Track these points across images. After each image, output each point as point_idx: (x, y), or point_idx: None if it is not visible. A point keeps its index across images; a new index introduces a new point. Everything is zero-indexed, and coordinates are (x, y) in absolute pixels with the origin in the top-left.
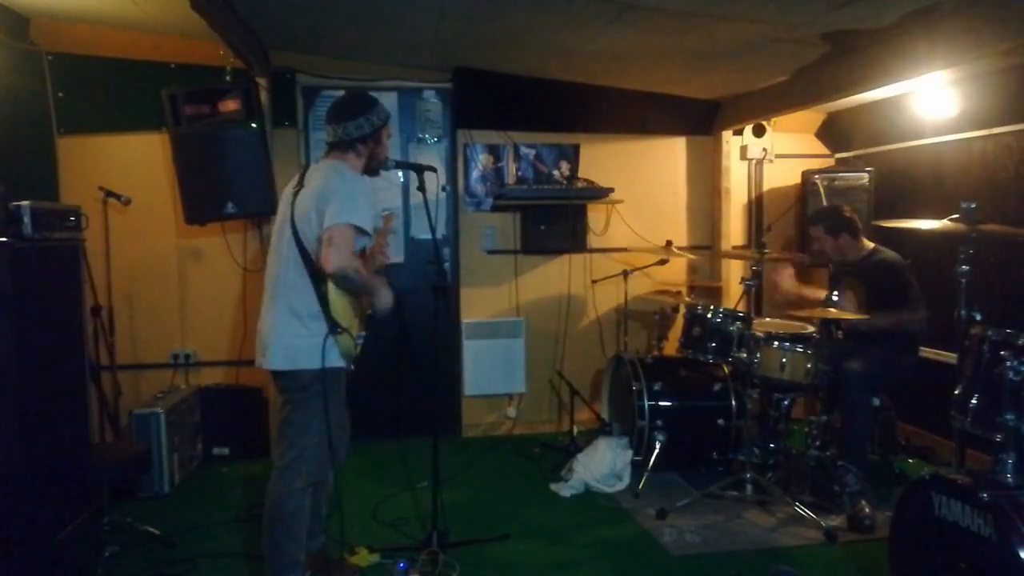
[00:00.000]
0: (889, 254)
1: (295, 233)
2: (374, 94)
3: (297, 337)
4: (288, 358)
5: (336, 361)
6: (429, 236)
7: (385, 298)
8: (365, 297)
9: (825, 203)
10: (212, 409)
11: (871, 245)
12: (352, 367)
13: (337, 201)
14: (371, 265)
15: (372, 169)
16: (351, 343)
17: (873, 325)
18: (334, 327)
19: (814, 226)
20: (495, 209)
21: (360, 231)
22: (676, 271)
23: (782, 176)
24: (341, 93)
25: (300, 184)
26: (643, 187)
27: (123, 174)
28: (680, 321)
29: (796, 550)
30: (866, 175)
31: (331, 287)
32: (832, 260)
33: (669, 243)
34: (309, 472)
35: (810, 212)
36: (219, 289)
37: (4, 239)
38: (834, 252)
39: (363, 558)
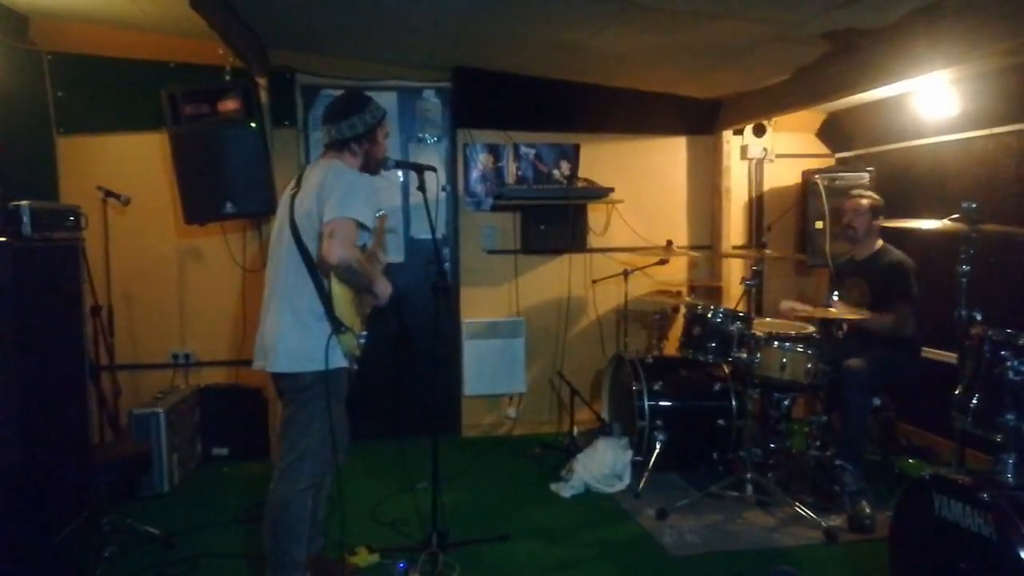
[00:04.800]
0: (899, 254)
1: (295, 234)
2: (374, 94)
3: (300, 339)
4: (292, 360)
5: (339, 361)
6: (429, 236)
7: (384, 289)
8: (366, 292)
9: (826, 203)
10: (212, 409)
11: (880, 243)
12: (355, 367)
13: (336, 195)
14: (372, 265)
15: (371, 168)
16: (354, 342)
17: (866, 325)
18: (338, 326)
19: (862, 198)
20: (495, 209)
21: (361, 226)
22: (676, 271)
23: (782, 176)
24: (341, 92)
25: (297, 186)
26: (643, 187)
27: (122, 174)
28: (680, 321)
29: (796, 550)
30: (866, 175)
31: (335, 285)
32: (847, 239)
33: (669, 243)
34: (311, 472)
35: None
36: (219, 289)
37: (3, 239)
38: (862, 231)
39: (363, 558)
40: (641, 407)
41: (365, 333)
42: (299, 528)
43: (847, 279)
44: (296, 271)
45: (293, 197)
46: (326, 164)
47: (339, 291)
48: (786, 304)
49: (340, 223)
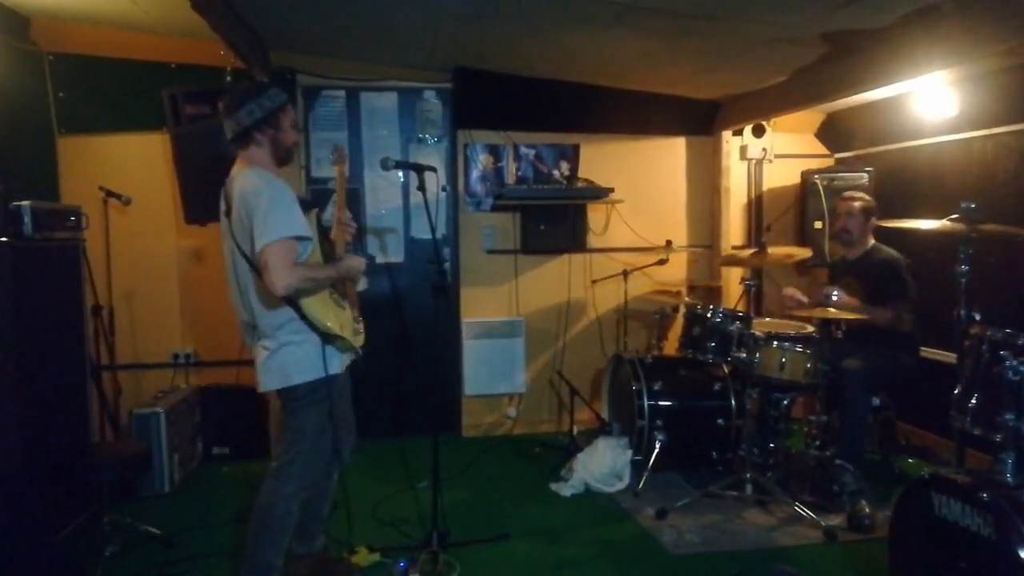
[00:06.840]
0: (889, 251)
1: (249, 262)
2: (375, 94)
3: (284, 355)
4: (282, 377)
5: (332, 369)
6: (429, 236)
7: (355, 268)
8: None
9: (825, 203)
10: (212, 409)
11: (872, 242)
12: (359, 355)
13: (258, 219)
14: (339, 247)
15: (281, 158)
16: (348, 341)
17: (866, 315)
18: (326, 336)
19: (854, 200)
20: (495, 209)
21: (297, 238)
22: (676, 271)
23: (782, 176)
24: (342, 93)
25: (227, 205)
26: (643, 187)
27: (123, 174)
28: (680, 321)
29: (796, 549)
30: (865, 175)
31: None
32: (842, 242)
33: (669, 243)
34: (300, 476)
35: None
36: (219, 289)
37: (5, 239)
38: (856, 233)
39: (363, 557)
40: (641, 407)
41: (359, 318)
42: (280, 534)
43: (840, 278)
44: (262, 295)
45: (229, 222)
46: (239, 177)
47: (309, 302)
48: (789, 290)
49: (271, 250)
